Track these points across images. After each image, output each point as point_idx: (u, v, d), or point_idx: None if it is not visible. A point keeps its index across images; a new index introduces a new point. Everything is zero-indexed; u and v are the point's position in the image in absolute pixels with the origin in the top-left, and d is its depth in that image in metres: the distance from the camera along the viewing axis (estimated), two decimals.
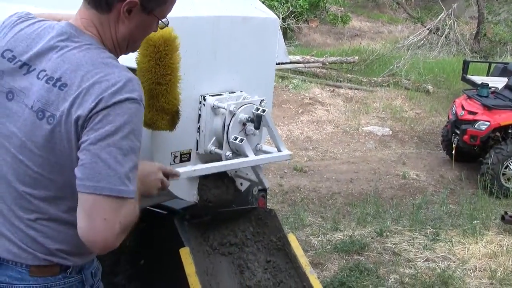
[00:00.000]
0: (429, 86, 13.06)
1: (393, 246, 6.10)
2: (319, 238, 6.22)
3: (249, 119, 2.64)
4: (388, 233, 6.44)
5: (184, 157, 2.64)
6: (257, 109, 2.68)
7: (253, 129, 2.66)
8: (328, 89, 12.93)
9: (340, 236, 6.36)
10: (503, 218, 6.40)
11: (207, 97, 2.61)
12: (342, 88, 12.99)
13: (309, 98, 12.20)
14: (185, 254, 2.60)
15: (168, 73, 2.21)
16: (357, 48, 16.90)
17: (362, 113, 11.70)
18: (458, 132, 8.12)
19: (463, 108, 8.16)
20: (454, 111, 8.37)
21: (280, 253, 2.86)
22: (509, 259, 5.66)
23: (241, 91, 2.80)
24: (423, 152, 9.92)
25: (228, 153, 2.63)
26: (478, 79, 11.62)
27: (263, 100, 2.78)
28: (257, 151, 2.77)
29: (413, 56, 15.71)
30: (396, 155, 9.74)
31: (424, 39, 17.66)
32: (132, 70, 2.33)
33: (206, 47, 2.59)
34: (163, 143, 2.50)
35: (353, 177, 8.71)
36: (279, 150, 2.84)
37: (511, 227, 6.45)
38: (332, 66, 14.35)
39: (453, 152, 8.36)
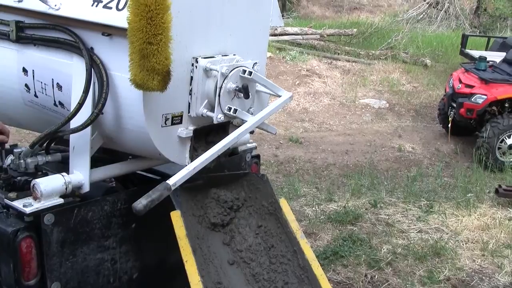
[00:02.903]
0: (427, 60, 13.00)
1: (387, 217, 6.13)
2: (313, 208, 6.24)
3: (237, 88, 2.60)
4: (382, 205, 6.46)
5: (176, 120, 2.61)
6: (244, 71, 2.64)
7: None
8: (325, 61, 12.86)
9: (334, 207, 6.38)
10: (497, 191, 6.43)
11: (200, 59, 2.57)
12: (339, 60, 12.92)
13: (306, 70, 12.14)
14: (176, 217, 2.59)
15: (159, 32, 2.17)
16: (355, 21, 16.76)
17: (359, 86, 11.66)
18: (455, 105, 8.10)
19: (460, 81, 8.12)
20: (451, 84, 8.34)
21: (271, 217, 2.85)
22: (501, 231, 5.69)
23: (234, 54, 2.76)
24: (419, 125, 9.92)
25: (220, 115, 2.60)
26: (477, 53, 11.56)
27: (256, 63, 2.75)
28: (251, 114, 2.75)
29: (412, 29, 15.61)
30: (392, 127, 9.73)
31: (424, 13, 17.51)
32: (123, 29, 2.30)
33: (199, 8, 2.54)
34: (154, 105, 2.47)
35: (349, 148, 8.72)
36: (278, 96, 2.82)
37: (505, 200, 6.48)
38: (330, 39, 14.24)
39: (449, 125, 8.36)
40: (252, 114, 2.77)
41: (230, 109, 2.60)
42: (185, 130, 2.66)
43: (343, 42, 14.20)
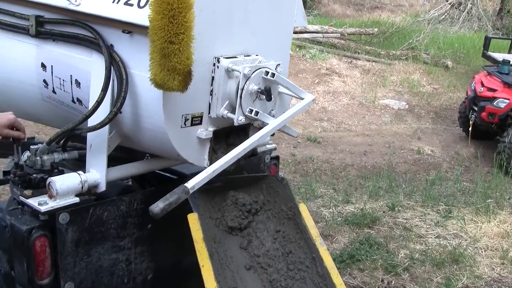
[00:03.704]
0: (448, 61, 12.82)
1: (405, 221, 6.03)
2: (330, 210, 6.16)
3: (259, 90, 2.54)
4: (400, 208, 6.36)
5: (196, 120, 2.56)
6: (266, 73, 2.57)
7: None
8: (345, 60, 12.74)
9: (351, 209, 6.29)
10: None
11: (222, 59, 2.51)
12: (359, 60, 12.79)
13: (326, 69, 12.04)
14: (193, 219, 2.54)
15: (182, 31, 2.11)
16: (376, 20, 16.60)
17: (379, 86, 11.53)
18: (476, 108, 7.96)
19: (482, 85, 7.97)
20: (473, 87, 8.19)
21: (290, 222, 2.78)
22: None
23: (256, 55, 2.70)
24: (439, 127, 9.77)
25: (241, 117, 2.54)
26: (499, 56, 11.37)
27: (278, 64, 2.69)
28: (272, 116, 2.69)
29: (433, 30, 15.42)
30: (412, 129, 9.60)
31: (446, 14, 17.28)
32: (144, 27, 2.25)
33: (222, 7, 2.48)
34: (173, 105, 2.42)
35: (367, 149, 8.61)
36: (301, 98, 2.75)
37: None
38: (351, 38, 14.11)
39: (470, 129, 8.21)
40: (273, 116, 2.71)
41: (251, 111, 2.54)
42: (205, 131, 2.61)
43: (363, 42, 14.07)
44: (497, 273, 5.02)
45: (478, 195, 6.81)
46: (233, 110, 2.60)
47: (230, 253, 2.66)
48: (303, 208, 2.79)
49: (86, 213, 2.55)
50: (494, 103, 7.65)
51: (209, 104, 2.58)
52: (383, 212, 6.28)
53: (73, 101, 2.73)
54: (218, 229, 2.73)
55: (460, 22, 16.52)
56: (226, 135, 2.80)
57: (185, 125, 2.52)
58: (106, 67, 2.41)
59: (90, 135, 2.57)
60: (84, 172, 2.60)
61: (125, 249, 2.78)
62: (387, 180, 7.28)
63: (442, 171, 7.75)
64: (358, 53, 13.10)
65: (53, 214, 2.43)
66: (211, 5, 2.41)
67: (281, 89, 2.75)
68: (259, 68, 2.55)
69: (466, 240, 5.58)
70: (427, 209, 6.36)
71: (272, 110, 2.74)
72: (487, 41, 11.14)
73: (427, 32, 14.36)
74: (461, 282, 4.80)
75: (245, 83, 2.50)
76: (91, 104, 2.51)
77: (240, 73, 2.49)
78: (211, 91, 2.56)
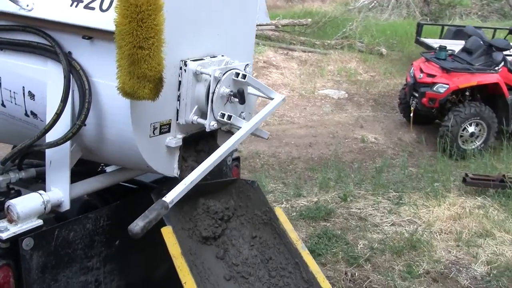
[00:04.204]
0: (383, 49, 13.07)
1: (359, 211, 6.07)
2: (283, 205, 6.11)
3: (232, 94, 2.42)
4: (351, 198, 6.40)
5: (164, 128, 2.41)
6: (237, 75, 2.46)
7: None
8: (281, 52, 12.73)
9: (304, 202, 6.28)
10: (464, 180, 6.47)
11: (189, 62, 2.37)
12: (295, 51, 12.81)
13: (263, 62, 11.99)
14: (168, 233, 2.39)
15: (152, 36, 1.96)
16: (308, 11, 16.71)
17: (317, 76, 11.59)
18: (417, 94, 8.11)
19: (421, 71, 8.13)
20: (412, 74, 8.34)
21: (266, 227, 2.68)
22: (472, 221, 5.73)
23: (222, 55, 2.57)
24: (380, 115, 9.93)
25: (213, 122, 2.42)
26: (432, 41, 11.68)
27: (247, 65, 2.58)
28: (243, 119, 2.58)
29: (365, 18, 15.66)
30: (353, 118, 9.70)
31: (375, 1, 17.62)
32: (107, 32, 2.08)
33: (187, 7, 2.34)
34: (142, 114, 2.26)
35: (312, 141, 8.62)
36: (270, 99, 2.65)
37: (471, 188, 6.53)
38: (285, 29, 14.13)
39: (411, 115, 8.37)
40: (244, 119, 2.60)
41: (223, 115, 2.42)
42: (174, 139, 2.47)
43: (297, 32, 14.11)
44: (454, 256, 5.13)
45: (425, 180, 6.96)
46: (202, 115, 2.47)
47: (207, 265, 2.53)
48: (279, 212, 2.70)
49: (51, 235, 2.36)
50: (434, 89, 7.81)
51: (177, 110, 2.44)
52: (336, 203, 6.29)
53: (26, 114, 2.52)
54: (192, 240, 2.60)
55: (390, 10, 16.89)
56: (195, 141, 2.66)
57: (154, 134, 2.37)
58: (65, 76, 2.22)
59: (49, 151, 2.38)
60: (45, 191, 2.40)
61: (93, 269, 2.61)
62: (335, 170, 7.31)
63: (388, 158, 7.85)
64: (294, 44, 13.13)
65: (15, 240, 2.23)
66: (176, 5, 2.27)
67: (250, 89, 2.64)
68: (229, 70, 2.42)
69: (420, 226, 5.67)
70: (378, 197, 6.43)
71: (242, 112, 2.63)
72: (419, 27, 11.44)
73: (359, 20, 14.58)
74: (421, 268, 4.87)
75: (216, 86, 2.37)
76: (48, 117, 2.32)
77: (209, 76, 2.36)
78: (179, 96, 2.42)
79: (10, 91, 2.50)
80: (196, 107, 2.44)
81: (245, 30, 2.74)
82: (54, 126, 2.27)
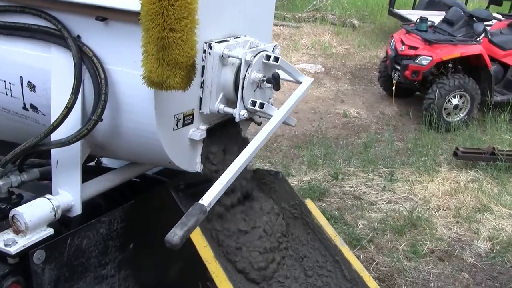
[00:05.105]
0: (355, 21, 12.86)
1: (352, 189, 5.92)
2: None
3: (265, 78, 2.16)
4: (342, 176, 6.24)
5: (187, 120, 2.15)
6: (268, 57, 2.20)
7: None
8: None
9: (295, 182, 6.09)
10: (455, 154, 6.37)
11: (214, 44, 2.09)
12: None
13: None
14: (197, 235, 2.14)
15: (185, 16, 1.69)
16: None
17: (291, 50, 11.32)
18: (399, 67, 7.95)
19: (403, 43, 7.96)
20: (393, 46, 8.16)
21: (297, 222, 2.45)
22: (468, 196, 5.64)
23: (245, 35, 2.30)
24: (358, 88, 9.76)
25: (243, 112, 2.15)
26: (405, 12, 11.55)
27: (275, 45, 2.32)
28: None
29: None
30: (333, 92, 9.51)
31: None
32: (125, 12, 1.79)
33: None
34: (165, 105, 1.99)
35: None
36: (299, 82, 2.41)
37: (461, 162, 6.45)
38: None
39: (394, 88, 8.21)
40: (272, 105, 2.34)
41: (254, 103, 2.16)
42: (198, 130, 2.20)
43: None
44: (455, 233, 5.04)
45: (414, 154, 6.84)
46: (228, 103, 2.21)
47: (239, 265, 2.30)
48: (311, 206, 2.48)
49: (64, 245, 2.09)
50: (417, 61, 7.65)
51: (200, 98, 2.17)
52: (328, 182, 6.13)
53: (24, 108, 2.21)
54: (216, 239, 2.36)
55: None
56: (213, 132, 2.40)
57: (177, 126, 2.10)
58: (75, 64, 1.92)
59: (56, 149, 2.08)
60: (52, 195, 2.11)
61: (108, 277, 2.35)
62: (321, 147, 7.12)
63: (373, 133, 7.71)
64: None
65: (25, 254, 1.95)
66: None
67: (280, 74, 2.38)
68: (259, 52, 2.16)
69: (417, 203, 5.56)
70: (369, 174, 6.29)
71: (270, 99, 2.38)
72: None
73: None
74: (426, 247, 4.75)
75: (247, 71, 2.10)
76: (54, 111, 2.03)
77: (240, 60, 2.09)
78: (202, 83, 2.14)
79: (5, 82, 2.18)
80: (221, 94, 2.18)
81: (265, 7, 2.47)
82: (64, 122, 1.97)
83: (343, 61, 10.96)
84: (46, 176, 2.25)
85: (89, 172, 2.38)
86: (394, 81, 8.16)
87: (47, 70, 2.05)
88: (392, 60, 8.14)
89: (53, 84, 2.04)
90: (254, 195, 2.48)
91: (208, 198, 1.86)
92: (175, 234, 1.71)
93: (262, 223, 2.33)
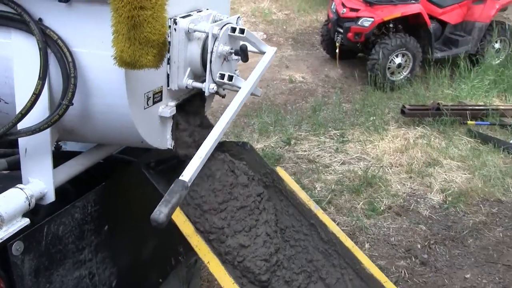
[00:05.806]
0: None
1: (305, 153, 6.03)
2: None
3: (232, 51, 2.16)
4: (295, 141, 6.33)
5: (156, 97, 2.13)
6: (233, 30, 2.20)
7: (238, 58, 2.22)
8: None
9: None
10: (402, 111, 6.57)
11: (179, 19, 2.07)
12: None
13: None
14: (176, 211, 2.15)
15: None
16: None
17: None
18: (341, 30, 8.05)
19: (344, 6, 8.05)
20: (334, 10, 8.25)
21: (269, 190, 2.50)
22: (418, 151, 5.85)
23: (207, 9, 2.29)
24: (301, 53, 9.84)
25: (212, 85, 2.16)
26: None
27: (239, 17, 2.32)
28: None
29: None
30: (276, 59, 9.53)
31: None
32: None
33: None
34: (135, 84, 1.96)
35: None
36: (262, 53, 2.43)
37: (408, 119, 6.67)
38: None
39: (337, 50, 8.33)
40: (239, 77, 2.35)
41: (222, 76, 2.16)
42: (167, 107, 2.19)
43: None
44: (409, 188, 5.23)
45: (362, 115, 7.00)
46: (196, 78, 2.20)
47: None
48: (282, 173, 2.52)
49: (41, 234, 2.05)
50: (359, 23, 7.78)
51: (167, 74, 2.15)
52: (281, 147, 6.21)
53: None
54: (194, 213, 2.37)
55: None
56: (180, 107, 2.39)
57: (148, 105, 2.08)
58: (41, 49, 1.86)
59: (24, 137, 2.02)
60: (23, 184, 2.07)
61: (86, 261, 2.33)
62: (270, 114, 7.18)
63: (320, 97, 7.83)
64: None
65: (3, 246, 1.91)
66: None
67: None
68: (225, 25, 2.15)
69: (370, 162, 5.72)
70: (320, 137, 6.41)
71: (236, 70, 2.39)
72: None
73: None
74: (383, 204, 4.92)
75: (214, 44, 2.10)
76: (19, 99, 1.97)
77: (206, 34, 2.08)
78: (168, 59, 2.12)
79: None
80: (189, 69, 2.17)
81: None
82: (32, 109, 1.92)
83: (284, 27, 11.00)
84: (15, 166, 2.19)
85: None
86: (337, 44, 8.28)
87: (8, 57, 1.98)
88: (334, 23, 8.24)
89: (16, 71, 1.97)
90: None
91: (188, 174, 1.87)
92: (160, 212, 1.72)
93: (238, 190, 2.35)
